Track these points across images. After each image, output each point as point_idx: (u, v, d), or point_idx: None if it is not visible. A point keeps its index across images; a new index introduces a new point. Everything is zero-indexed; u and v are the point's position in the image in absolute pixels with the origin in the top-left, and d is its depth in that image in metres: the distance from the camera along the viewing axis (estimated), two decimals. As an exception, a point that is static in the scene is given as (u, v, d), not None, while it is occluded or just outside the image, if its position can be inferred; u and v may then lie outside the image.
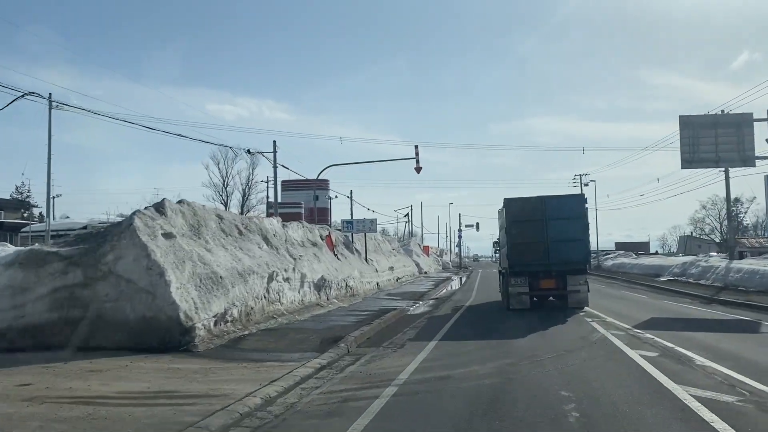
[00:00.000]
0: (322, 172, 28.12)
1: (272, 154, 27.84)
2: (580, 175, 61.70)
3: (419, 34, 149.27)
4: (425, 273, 49.15)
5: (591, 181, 60.92)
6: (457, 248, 74.68)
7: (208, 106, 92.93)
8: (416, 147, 23.56)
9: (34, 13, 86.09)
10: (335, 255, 23.24)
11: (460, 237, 70.94)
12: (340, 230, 27.34)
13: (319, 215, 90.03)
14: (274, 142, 28.75)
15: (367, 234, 34.98)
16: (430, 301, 21.73)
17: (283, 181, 61.64)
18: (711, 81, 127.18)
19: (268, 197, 62.83)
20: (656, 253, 76.32)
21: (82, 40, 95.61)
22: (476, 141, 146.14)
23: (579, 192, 61.66)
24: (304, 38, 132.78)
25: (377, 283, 26.92)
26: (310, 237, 21.16)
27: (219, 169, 57.63)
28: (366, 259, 28.10)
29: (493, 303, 20.06)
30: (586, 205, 16.89)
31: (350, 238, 28.31)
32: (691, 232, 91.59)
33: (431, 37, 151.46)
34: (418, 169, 24.14)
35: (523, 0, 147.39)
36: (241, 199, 65.78)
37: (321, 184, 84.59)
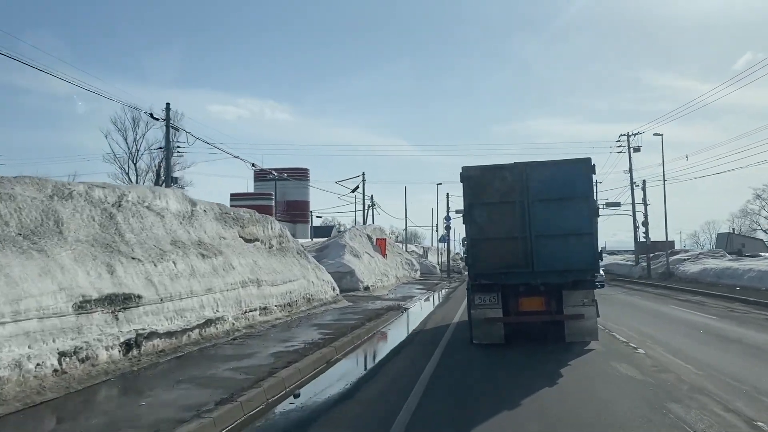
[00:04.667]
0: None
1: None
2: (627, 134, 39.57)
3: (422, 38, 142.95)
4: (366, 288, 26.30)
5: (656, 134, 36.28)
6: (442, 243, 53.59)
7: (209, 107, 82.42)
8: None
9: (33, 15, 79.42)
10: None
11: (447, 228, 49.65)
12: None
13: (296, 209, 74.29)
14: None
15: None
16: None
17: (255, 171, 45.17)
18: (712, 83, 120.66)
19: (160, 165, 44.67)
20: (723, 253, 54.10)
21: (81, 42, 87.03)
22: (478, 143, 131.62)
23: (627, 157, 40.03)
24: (307, 40, 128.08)
25: None
26: None
27: (125, 138, 42.07)
28: None
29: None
30: (595, 177, 10.30)
31: None
32: (732, 229, 71.14)
33: (434, 40, 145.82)
34: None
35: (525, 4, 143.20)
36: (154, 176, 47.79)
37: (298, 174, 69.68)
